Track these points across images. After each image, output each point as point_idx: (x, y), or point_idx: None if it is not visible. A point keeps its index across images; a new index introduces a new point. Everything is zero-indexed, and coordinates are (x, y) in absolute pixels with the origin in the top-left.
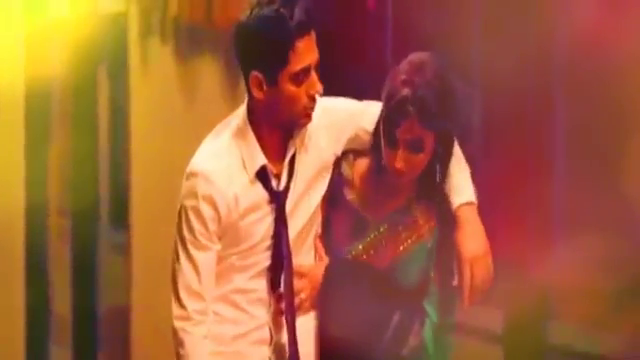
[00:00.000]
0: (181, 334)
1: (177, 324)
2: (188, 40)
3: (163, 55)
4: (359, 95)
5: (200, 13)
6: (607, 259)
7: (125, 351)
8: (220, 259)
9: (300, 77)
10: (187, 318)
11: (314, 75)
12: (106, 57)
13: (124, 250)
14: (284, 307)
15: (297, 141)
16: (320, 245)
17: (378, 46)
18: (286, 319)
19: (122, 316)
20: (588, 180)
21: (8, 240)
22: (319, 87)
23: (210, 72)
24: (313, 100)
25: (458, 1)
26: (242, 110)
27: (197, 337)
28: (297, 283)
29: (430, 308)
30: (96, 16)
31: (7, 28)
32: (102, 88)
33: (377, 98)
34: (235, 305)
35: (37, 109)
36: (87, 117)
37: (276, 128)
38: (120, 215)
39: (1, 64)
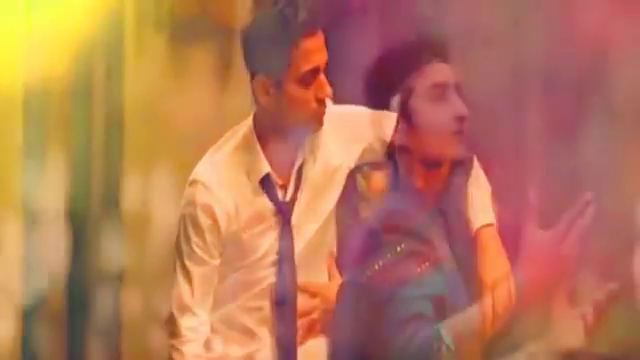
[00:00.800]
0: (172, 352)
1: (169, 341)
2: (183, 26)
3: (157, 41)
4: (350, 96)
5: (194, 8)
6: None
7: None
8: (225, 275)
9: (307, 79)
10: (178, 335)
11: (323, 77)
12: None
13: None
14: (285, 326)
15: (306, 150)
16: (333, 264)
17: (362, 45)
18: (285, 339)
19: None
20: (567, 179)
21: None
22: (329, 90)
23: (203, 57)
24: (323, 104)
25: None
26: (249, 120)
27: (188, 356)
28: (308, 302)
29: (446, 334)
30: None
31: (9, 23)
32: (98, 75)
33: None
34: (238, 324)
35: (35, 106)
36: (83, 102)
37: (284, 137)
38: (112, 198)
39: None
